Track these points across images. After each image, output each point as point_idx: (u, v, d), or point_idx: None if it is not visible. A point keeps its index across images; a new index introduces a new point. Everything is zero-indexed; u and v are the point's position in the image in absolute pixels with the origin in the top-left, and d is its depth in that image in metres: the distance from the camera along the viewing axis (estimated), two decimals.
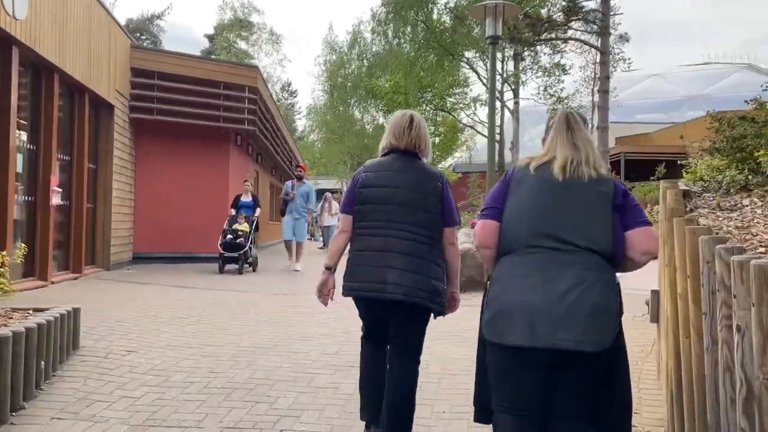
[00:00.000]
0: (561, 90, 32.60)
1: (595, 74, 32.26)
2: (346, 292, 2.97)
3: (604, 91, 16.06)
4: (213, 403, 3.72)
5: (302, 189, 11.41)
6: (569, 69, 31.80)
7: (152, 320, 6.01)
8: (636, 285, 4.78)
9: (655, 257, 2.42)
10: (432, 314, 2.94)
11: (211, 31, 48.88)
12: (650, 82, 53.42)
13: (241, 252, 10.46)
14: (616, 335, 2.21)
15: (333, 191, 26.86)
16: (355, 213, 2.95)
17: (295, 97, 62.35)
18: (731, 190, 3.18)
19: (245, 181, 11.93)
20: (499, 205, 2.36)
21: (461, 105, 34.14)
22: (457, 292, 3.06)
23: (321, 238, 19.15)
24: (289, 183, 11.80)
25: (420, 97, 32.84)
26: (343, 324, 5.90)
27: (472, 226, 14.25)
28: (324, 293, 3.10)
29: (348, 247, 3.06)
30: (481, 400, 2.46)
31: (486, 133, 33.12)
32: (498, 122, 34.51)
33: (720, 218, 2.87)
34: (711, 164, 3.57)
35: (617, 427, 2.40)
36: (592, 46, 15.79)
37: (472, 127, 35.23)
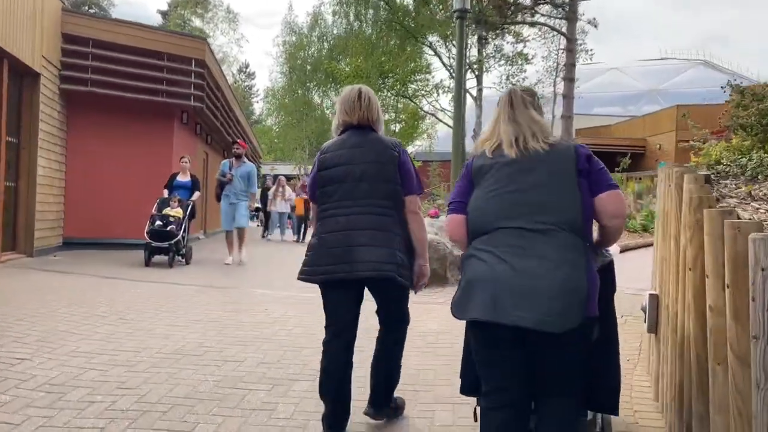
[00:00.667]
0: (523, 79, 32.38)
1: (558, 64, 32.04)
2: (311, 278, 2.86)
3: (569, 80, 15.64)
4: (114, 430, 2.94)
5: (242, 170, 9.58)
6: (532, 59, 31.66)
7: (62, 319, 5.14)
8: (624, 284, 4.18)
9: (623, 222, 2.31)
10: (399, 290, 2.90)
11: (165, 8, 46.82)
12: (609, 76, 53.96)
13: (172, 242, 8.84)
14: (607, 312, 2.18)
15: (290, 177, 25.90)
16: (318, 197, 2.92)
17: (252, 79, 60.65)
18: (759, 176, 2.57)
19: (182, 157, 10.14)
20: (464, 198, 2.35)
21: (423, 92, 33.53)
22: (425, 264, 2.98)
23: (263, 225, 17.99)
24: (225, 162, 9.81)
25: (381, 82, 32.07)
26: (287, 324, 5.15)
27: (432, 216, 13.63)
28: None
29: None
30: (465, 377, 2.55)
31: (447, 122, 32.60)
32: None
33: (759, 210, 2.23)
34: (733, 145, 2.96)
35: (606, 406, 2.52)
36: (558, 31, 15.29)
37: (433, 115, 34.72)
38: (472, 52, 26.79)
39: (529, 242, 2.10)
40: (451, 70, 31.54)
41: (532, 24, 15.92)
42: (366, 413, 3.04)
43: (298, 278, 2.92)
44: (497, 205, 2.21)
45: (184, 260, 9.35)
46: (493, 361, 2.19)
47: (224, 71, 42.39)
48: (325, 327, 2.93)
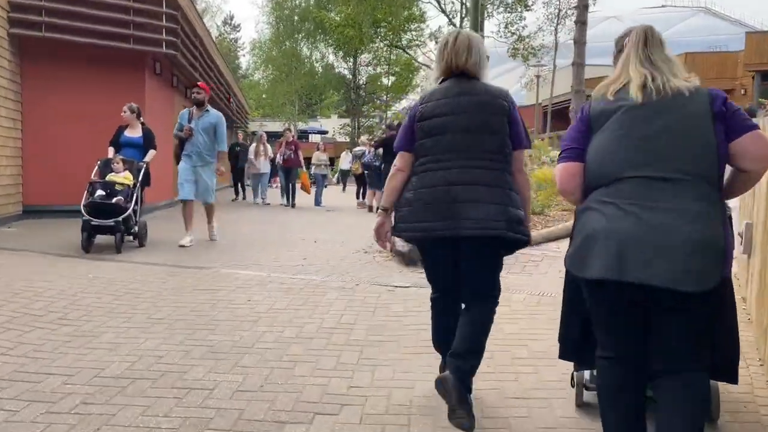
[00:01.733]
0: (523, 28, 30.78)
1: (559, 11, 30.50)
2: (410, 234, 2.71)
3: (581, 23, 14.20)
4: None
5: (204, 121, 7.36)
6: (532, 5, 30.00)
7: None
8: None
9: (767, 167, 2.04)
10: (510, 249, 2.73)
11: None
12: (606, 25, 52.25)
13: (120, 218, 6.64)
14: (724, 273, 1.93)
15: (278, 135, 24.50)
16: (416, 149, 2.71)
17: (238, 31, 58.28)
18: None
19: (126, 107, 7.42)
20: (580, 144, 2.16)
21: (418, 41, 31.86)
22: (528, 225, 2.72)
23: (247, 188, 16.20)
24: (184, 112, 7.64)
25: (374, 32, 30.32)
26: (275, 324, 4.03)
27: None
28: (382, 237, 2.88)
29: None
30: (567, 340, 2.56)
31: None
32: None
33: None
34: None
35: (725, 371, 2.39)
36: None
37: (428, 66, 33.11)
38: None
39: (658, 193, 1.95)
40: (450, 15, 29.87)
41: None
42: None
43: (393, 234, 2.80)
44: (622, 153, 2.04)
45: (136, 241, 7.17)
46: (614, 324, 2.07)
47: (207, 23, 40.32)
48: (429, 281, 2.92)
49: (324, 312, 4.34)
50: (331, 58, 38.69)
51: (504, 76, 50.75)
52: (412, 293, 4.89)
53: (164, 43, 10.14)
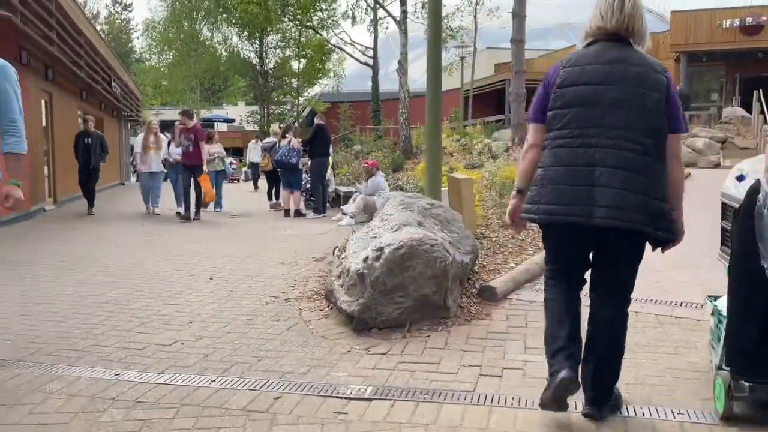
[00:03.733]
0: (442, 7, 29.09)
1: None
2: (536, 216, 2.44)
3: None
4: None
5: None
6: None
7: None
8: None
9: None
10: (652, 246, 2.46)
11: None
12: (528, 10, 51.86)
13: None
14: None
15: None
16: (549, 120, 2.44)
17: (129, 11, 53.24)
18: None
19: None
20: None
21: (331, 21, 29.47)
22: (681, 219, 2.44)
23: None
24: None
25: (281, 11, 27.59)
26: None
27: (370, 167, 10.35)
28: (516, 223, 2.63)
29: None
30: (738, 351, 2.38)
31: (358, 57, 28.89)
32: (370, 41, 30.51)
33: None
34: None
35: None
36: None
37: (342, 49, 30.81)
38: None
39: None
40: None
41: None
42: (585, 414, 2.49)
43: (520, 217, 2.55)
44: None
45: None
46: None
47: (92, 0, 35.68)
48: (546, 263, 2.63)
49: None
50: (235, 39, 35.48)
51: (416, 62, 49.34)
52: (378, 418, 2.67)
53: None
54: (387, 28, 27.56)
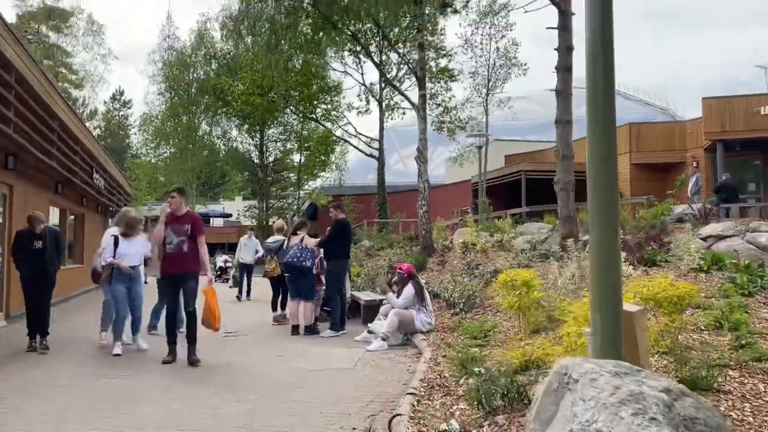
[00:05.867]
0: (449, 99, 28.05)
1: (489, 80, 28.09)
2: None
3: (566, 69, 10.92)
4: None
5: None
6: (458, 75, 27.44)
7: None
8: None
9: None
10: None
11: (13, 19, 38.81)
12: (519, 104, 51.89)
13: None
14: None
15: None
16: None
17: (129, 107, 52.85)
18: None
19: None
20: None
21: (335, 113, 28.26)
22: None
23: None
24: None
25: (284, 102, 26.27)
26: None
27: (405, 272, 8.18)
28: None
29: None
30: None
31: (363, 149, 27.40)
32: (376, 131, 29.23)
33: None
34: None
35: None
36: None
37: (346, 141, 29.49)
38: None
39: None
40: (369, 86, 26.62)
41: None
42: None
43: None
44: None
45: None
46: None
47: (86, 94, 34.82)
48: None
49: None
50: (235, 132, 34.31)
51: (412, 157, 48.70)
52: None
53: None
54: (401, 116, 26.23)
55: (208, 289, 6.52)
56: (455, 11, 12.24)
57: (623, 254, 7.51)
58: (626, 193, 22.17)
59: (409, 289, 7.55)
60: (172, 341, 6.57)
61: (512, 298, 4.78)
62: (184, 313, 6.66)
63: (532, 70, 35.34)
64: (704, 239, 10.10)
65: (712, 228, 11.08)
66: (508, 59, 26.91)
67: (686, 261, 7.46)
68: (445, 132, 27.98)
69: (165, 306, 7.07)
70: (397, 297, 7.66)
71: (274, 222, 14.64)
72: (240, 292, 13.66)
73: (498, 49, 27.15)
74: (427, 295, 7.76)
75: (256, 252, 13.64)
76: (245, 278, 13.73)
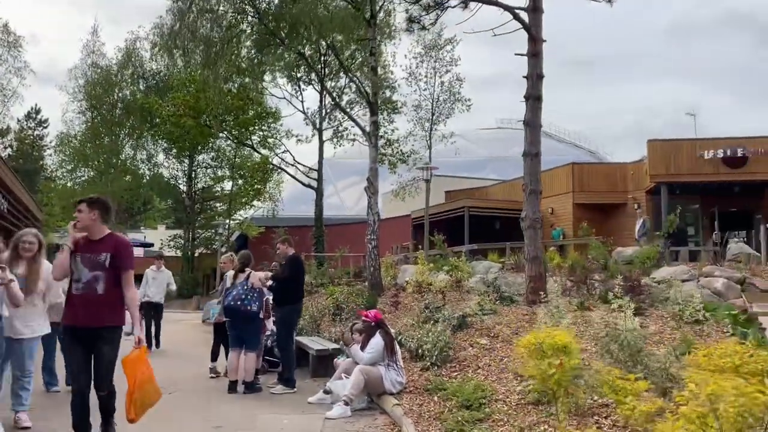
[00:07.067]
0: (392, 131, 27.29)
1: (433, 114, 27.59)
2: None
3: (536, 98, 10.15)
4: None
5: None
6: (401, 107, 26.82)
7: None
8: None
9: None
10: None
11: None
12: (457, 141, 52.23)
13: None
14: None
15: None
16: None
17: (45, 127, 49.12)
18: None
19: None
20: None
21: (274, 141, 26.81)
22: None
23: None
24: None
25: (222, 120, 24.56)
26: None
27: (372, 320, 6.87)
28: None
29: None
30: None
31: (301, 179, 26.04)
32: (314, 161, 27.91)
33: None
34: None
35: None
36: (520, 21, 9.98)
37: (283, 170, 28.04)
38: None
39: None
40: (309, 113, 25.44)
41: (487, 1, 10.35)
42: None
43: None
44: None
45: None
46: None
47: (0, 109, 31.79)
48: None
49: None
50: (161, 157, 32.18)
51: (350, 189, 47.80)
52: None
53: None
54: (350, 143, 25.16)
55: (133, 357, 4.20)
56: (423, 28, 11.26)
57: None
58: (569, 233, 21.92)
59: (377, 341, 6.30)
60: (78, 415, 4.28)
61: (548, 369, 3.61)
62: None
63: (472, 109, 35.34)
64: (658, 283, 9.57)
65: (666, 271, 10.59)
66: (452, 94, 26.67)
67: (689, 312, 6.63)
68: (386, 164, 27.12)
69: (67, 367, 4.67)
70: (362, 349, 6.39)
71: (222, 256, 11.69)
72: (148, 340, 10.10)
73: (443, 83, 26.86)
74: (398, 348, 6.53)
75: (168, 286, 11.23)
76: (153, 321, 10.87)
